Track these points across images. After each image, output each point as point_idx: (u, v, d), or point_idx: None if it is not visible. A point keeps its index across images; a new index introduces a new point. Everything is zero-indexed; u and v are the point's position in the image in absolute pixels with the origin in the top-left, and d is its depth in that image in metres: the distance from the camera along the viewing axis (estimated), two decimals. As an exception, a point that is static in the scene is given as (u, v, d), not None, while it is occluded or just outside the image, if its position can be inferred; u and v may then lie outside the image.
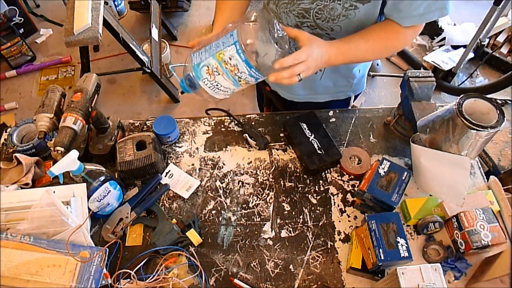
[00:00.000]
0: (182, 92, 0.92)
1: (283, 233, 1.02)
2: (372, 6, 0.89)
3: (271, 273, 0.96)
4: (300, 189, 1.09)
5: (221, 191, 1.10)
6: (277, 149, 1.17)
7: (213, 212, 1.06)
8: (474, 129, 0.83)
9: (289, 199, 1.07)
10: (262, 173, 1.12)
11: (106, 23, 1.96)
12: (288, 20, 0.98)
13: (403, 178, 0.96)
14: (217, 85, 0.84)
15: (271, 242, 1.00)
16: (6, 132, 1.19)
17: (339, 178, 1.10)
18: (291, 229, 1.02)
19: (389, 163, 0.98)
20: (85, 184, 0.93)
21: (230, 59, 0.77)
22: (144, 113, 2.57)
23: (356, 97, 1.36)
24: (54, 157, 0.95)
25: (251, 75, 0.80)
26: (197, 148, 1.18)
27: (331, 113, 1.23)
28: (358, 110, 1.25)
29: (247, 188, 1.10)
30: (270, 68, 0.79)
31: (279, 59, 0.77)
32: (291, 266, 0.97)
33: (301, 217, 1.04)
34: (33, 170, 1.09)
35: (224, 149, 1.18)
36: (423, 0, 0.84)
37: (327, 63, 0.88)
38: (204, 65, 0.81)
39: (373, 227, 0.88)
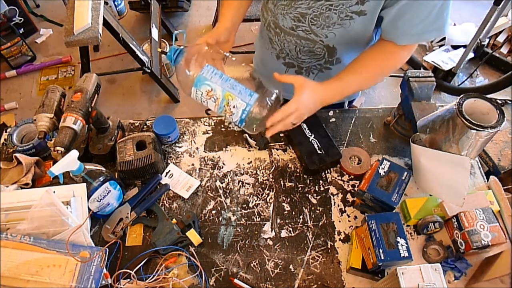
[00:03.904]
0: (163, 52, 0.93)
1: (283, 233, 1.02)
2: (369, 19, 0.88)
3: (271, 273, 0.96)
4: (300, 189, 1.09)
5: (221, 191, 1.10)
6: (277, 149, 1.17)
7: (213, 212, 1.06)
8: (474, 129, 0.83)
9: (289, 199, 1.07)
10: (262, 173, 1.12)
11: (106, 23, 1.96)
12: (284, 22, 0.98)
13: (403, 178, 0.96)
14: (203, 101, 0.89)
15: (271, 242, 1.00)
16: (6, 132, 1.19)
17: (339, 178, 1.10)
18: (291, 229, 1.02)
19: (389, 163, 0.98)
20: (85, 184, 0.93)
21: (234, 107, 0.85)
22: (144, 113, 2.57)
23: (350, 102, 1.36)
24: (54, 157, 0.95)
25: (235, 123, 0.89)
26: (197, 148, 1.18)
27: (331, 113, 1.23)
28: (358, 110, 1.25)
29: (247, 188, 1.10)
30: (256, 122, 0.87)
31: (269, 117, 0.85)
32: (291, 266, 0.97)
33: (301, 217, 1.04)
34: (33, 170, 1.09)
35: (224, 149, 1.18)
36: (422, 19, 0.84)
37: (323, 105, 0.92)
38: (209, 85, 0.85)
39: (373, 227, 0.88)
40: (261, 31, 1.14)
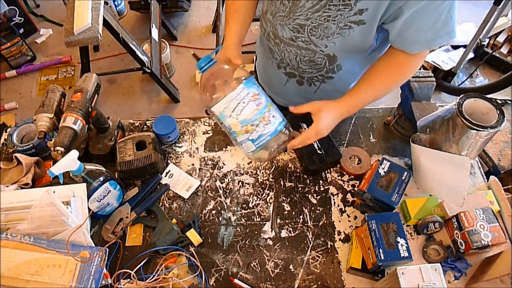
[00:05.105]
0: (196, 57, 0.94)
1: (283, 233, 1.02)
2: (368, 27, 0.87)
3: (271, 273, 0.96)
4: (300, 189, 1.09)
5: (221, 191, 1.10)
6: (277, 149, 1.17)
7: (213, 212, 1.06)
8: (474, 129, 0.83)
9: (289, 199, 1.07)
10: (262, 173, 1.12)
11: (106, 23, 1.96)
12: (283, 32, 0.97)
13: (403, 178, 0.96)
14: (242, 101, 0.88)
15: (271, 242, 1.00)
16: (6, 132, 1.20)
17: (339, 178, 1.10)
18: (291, 229, 1.02)
19: (389, 163, 0.98)
20: (85, 184, 0.93)
21: (273, 116, 0.89)
22: (144, 113, 2.57)
23: None
24: (54, 157, 0.95)
25: (256, 145, 0.90)
26: (197, 148, 1.18)
27: (331, 113, 1.23)
28: (358, 110, 1.24)
29: (247, 188, 1.10)
30: (272, 148, 0.92)
31: (289, 141, 0.92)
32: (291, 266, 0.97)
33: (301, 217, 1.04)
34: (33, 170, 1.09)
35: (224, 149, 1.18)
36: (430, 27, 0.82)
37: (341, 119, 0.95)
38: (257, 90, 0.89)
39: (373, 227, 0.88)
40: (261, 40, 1.13)
